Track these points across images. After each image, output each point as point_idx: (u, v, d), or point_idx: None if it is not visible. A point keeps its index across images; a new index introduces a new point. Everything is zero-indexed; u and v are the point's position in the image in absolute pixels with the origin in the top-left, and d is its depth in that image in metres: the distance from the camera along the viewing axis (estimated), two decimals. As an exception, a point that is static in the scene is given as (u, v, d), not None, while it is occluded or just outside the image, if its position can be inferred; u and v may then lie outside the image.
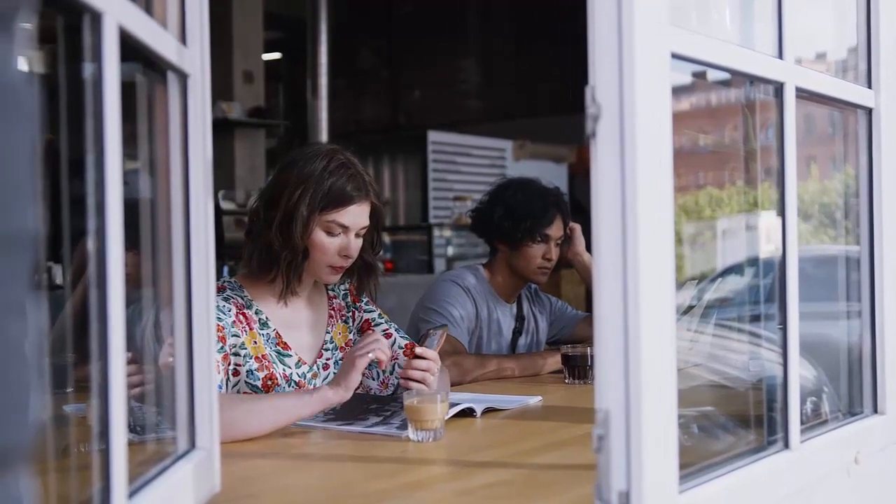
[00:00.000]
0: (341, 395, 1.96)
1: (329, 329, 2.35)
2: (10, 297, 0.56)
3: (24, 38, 0.60)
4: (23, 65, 0.59)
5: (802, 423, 1.57)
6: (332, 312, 2.38)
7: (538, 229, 2.98)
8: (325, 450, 1.82)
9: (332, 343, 2.34)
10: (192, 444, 1.38)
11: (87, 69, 1.02)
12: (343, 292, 2.42)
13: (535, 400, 2.36)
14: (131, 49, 1.12)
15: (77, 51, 1.03)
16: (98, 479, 1.02)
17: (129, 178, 1.10)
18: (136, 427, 1.38)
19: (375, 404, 2.13)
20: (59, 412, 1.47)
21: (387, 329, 2.39)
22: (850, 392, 1.88)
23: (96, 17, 1.00)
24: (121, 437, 1.03)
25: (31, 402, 0.58)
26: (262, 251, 2.20)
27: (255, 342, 2.18)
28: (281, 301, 2.25)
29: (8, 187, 0.55)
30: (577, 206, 3.25)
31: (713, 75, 1.58)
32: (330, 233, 2.19)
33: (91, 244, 1.02)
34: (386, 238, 7.75)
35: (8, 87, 0.57)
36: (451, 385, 2.64)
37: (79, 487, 1.18)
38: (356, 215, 2.20)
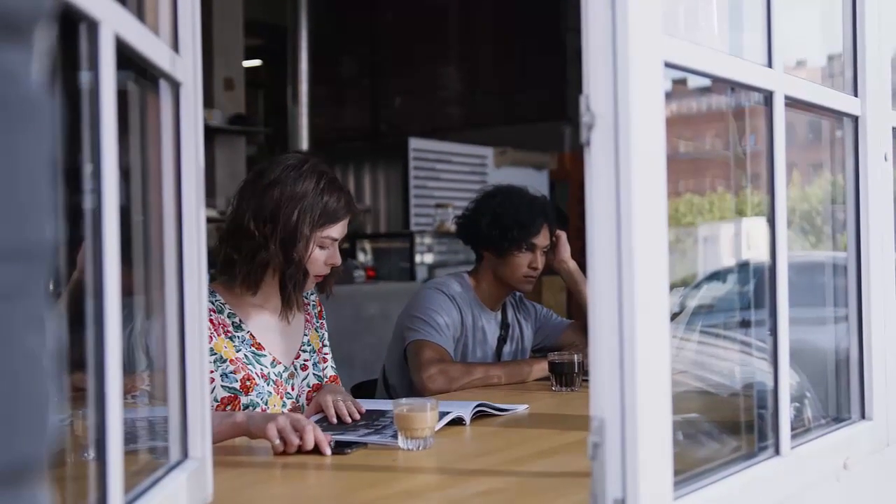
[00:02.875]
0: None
1: (306, 332, 2.41)
2: (30, 310, 0.55)
3: (42, 50, 0.59)
4: (40, 76, 0.59)
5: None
6: (308, 317, 2.44)
7: (525, 238, 2.98)
8: (316, 459, 1.81)
9: (309, 346, 2.40)
10: (185, 454, 1.37)
11: (83, 77, 1.02)
12: (312, 302, 2.48)
13: (522, 408, 2.36)
14: (124, 57, 1.11)
15: (72, 59, 1.02)
16: (94, 489, 1.01)
17: (119, 186, 1.09)
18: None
19: (365, 420, 2.12)
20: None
21: (327, 354, 2.49)
22: (838, 398, 1.89)
23: (93, 26, 1.00)
24: (117, 448, 1.02)
25: (49, 415, 0.57)
26: (259, 268, 2.24)
27: (227, 346, 2.22)
28: (280, 315, 2.32)
29: (28, 199, 0.55)
30: (558, 213, 3.27)
31: (694, 82, 1.59)
32: (322, 247, 2.27)
33: (87, 253, 1.02)
34: (367, 245, 7.74)
35: (27, 99, 0.56)
36: (438, 393, 2.65)
37: (73, 497, 1.17)
38: (344, 228, 2.31)
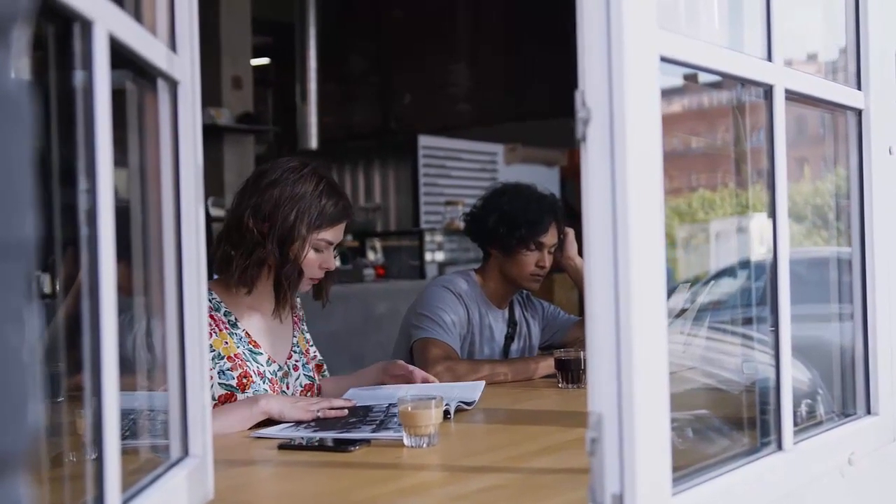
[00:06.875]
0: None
1: (295, 334, 2.47)
2: (9, 305, 0.56)
3: (21, 47, 0.60)
4: (19, 73, 0.59)
5: (797, 425, 1.57)
6: (296, 320, 2.50)
7: (533, 237, 2.97)
8: (318, 457, 1.81)
9: (298, 347, 2.46)
10: (186, 452, 1.38)
11: (78, 77, 1.02)
12: (298, 306, 2.54)
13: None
14: (121, 56, 1.12)
15: (67, 58, 1.03)
16: (92, 487, 1.02)
17: (117, 186, 1.09)
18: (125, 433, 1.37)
19: (354, 418, 2.12)
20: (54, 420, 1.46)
21: (316, 352, 2.54)
22: (843, 393, 1.89)
23: (87, 25, 1.00)
24: (114, 446, 1.03)
25: (29, 409, 0.58)
26: (255, 266, 2.27)
27: (227, 343, 2.26)
28: (273, 314, 2.36)
29: (7, 195, 0.55)
30: (569, 210, 3.25)
31: (704, 77, 1.58)
32: (317, 249, 2.31)
33: (82, 252, 1.02)
34: (377, 244, 7.74)
35: (6, 96, 0.57)
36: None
37: (71, 496, 1.17)
38: (339, 233, 2.35)
